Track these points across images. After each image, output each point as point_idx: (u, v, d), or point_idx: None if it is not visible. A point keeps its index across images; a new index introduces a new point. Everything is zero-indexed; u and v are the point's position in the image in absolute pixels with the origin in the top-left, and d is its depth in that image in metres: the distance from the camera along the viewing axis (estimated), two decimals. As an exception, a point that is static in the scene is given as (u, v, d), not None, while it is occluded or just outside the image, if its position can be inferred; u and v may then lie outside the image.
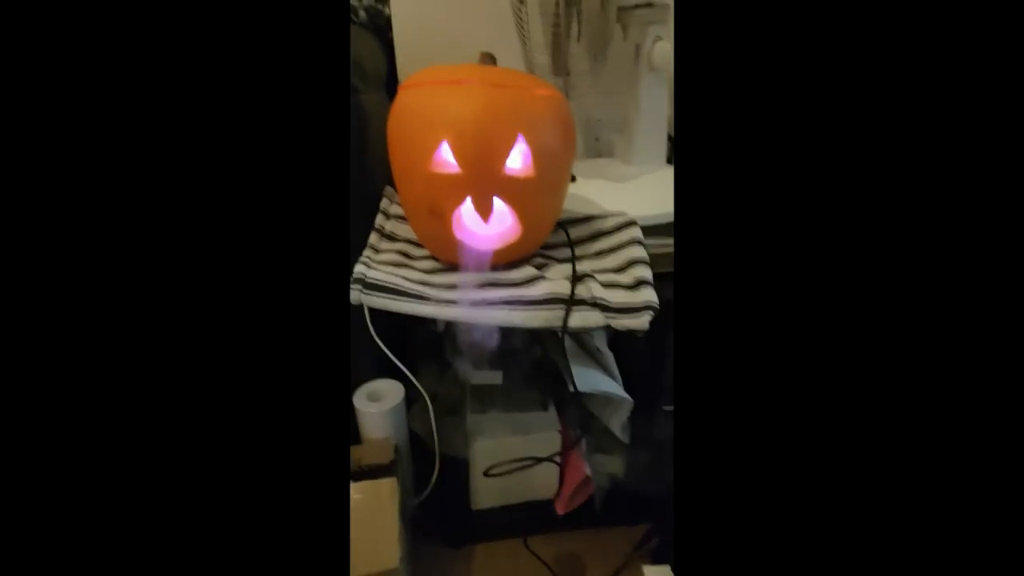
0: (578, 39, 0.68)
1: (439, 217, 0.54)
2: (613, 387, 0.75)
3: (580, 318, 0.54)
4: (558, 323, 0.54)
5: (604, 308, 0.54)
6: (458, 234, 0.55)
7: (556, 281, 0.56)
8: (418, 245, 0.63)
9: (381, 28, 0.87)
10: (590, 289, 0.55)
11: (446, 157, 0.51)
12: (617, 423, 0.77)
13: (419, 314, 0.53)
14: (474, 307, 0.53)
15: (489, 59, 0.57)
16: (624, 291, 0.57)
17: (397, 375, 0.73)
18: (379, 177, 0.71)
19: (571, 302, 0.54)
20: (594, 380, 0.74)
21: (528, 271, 0.58)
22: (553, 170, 0.55)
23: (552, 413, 0.76)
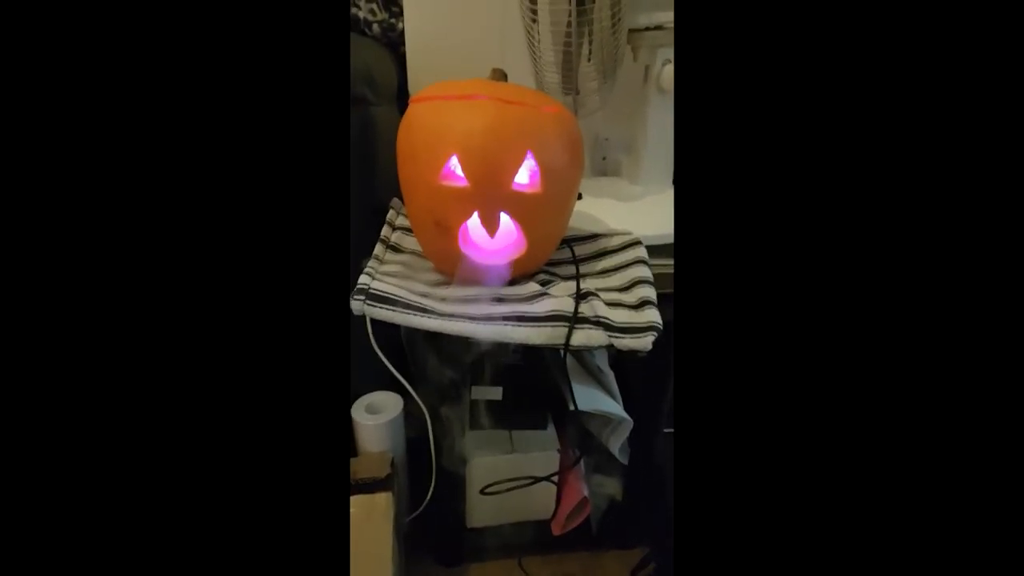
0: (588, 59, 0.68)
1: (445, 231, 0.54)
2: (613, 407, 0.74)
3: (583, 336, 0.53)
4: (560, 341, 0.53)
5: (607, 327, 0.53)
6: (464, 248, 0.55)
7: (560, 298, 0.56)
8: (422, 257, 0.63)
9: (394, 42, 0.89)
10: (593, 307, 0.55)
11: (454, 171, 0.51)
12: (616, 444, 0.75)
13: (421, 327, 0.52)
14: (477, 322, 0.53)
15: (500, 75, 0.57)
16: (628, 311, 0.56)
17: (397, 387, 0.72)
18: (388, 189, 0.71)
19: (574, 320, 0.54)
20: (594, 399, 0.73)
21: (532, 287, 0.58)
22: (560, 187, 0.55)
23: (551, 432, 0.75)
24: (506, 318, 0.53)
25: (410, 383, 0.66)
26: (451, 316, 0.53)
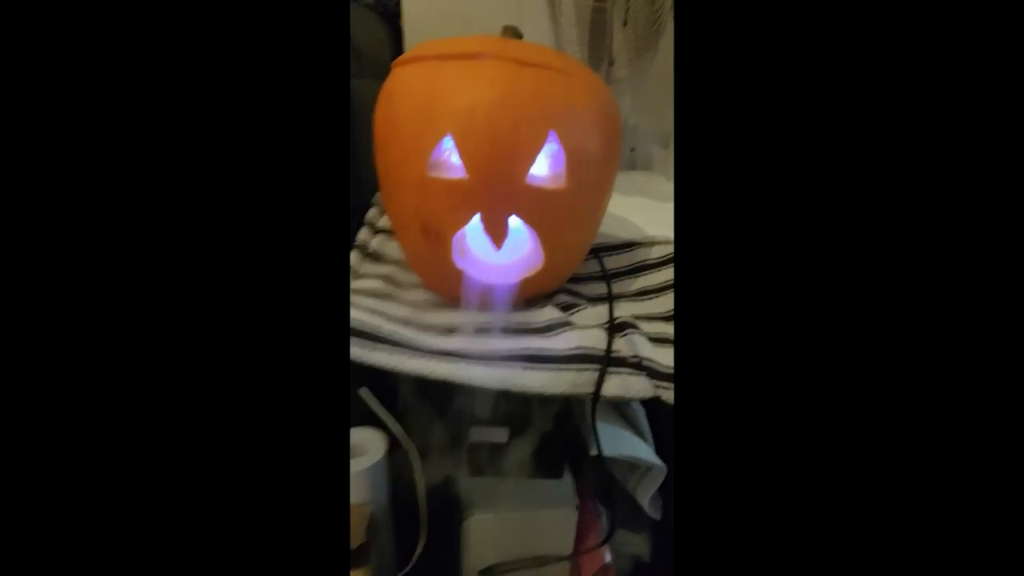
0: (624, 22, 0.55)
1: (436, 238, 0.41)
2: (644, 451, 0.62)
3: (618, 384, 0.41)
4: (588, 389, 0.41)
5: (652, 372, 0.40)
6: (460, 262, 0.42)
7: (587, 330, 0.43)
8: (409, 268, 0.51)
9: (390, 12, 0.79)
10: (633, 344, 0.42)
11: (448, 158, 0.39)
12: (646, 494, 0.63)
13: (398, 370, 0.39)
14: (475, 362, 0.40)
15: (513, 34, 0.44)
16: (678, 348, 0.43)
17: (379, 423, 0.61)
18: (371, 181, 0.59)
19: (607, 361, 0.41)
20: (622, 442, 0.61)
21: (550, 314, 0.45)
22: (592, 182, 0.42)
23: (568, 481, 0.63)
24: (515, 358, 0.40)
25: (397, 418, 0.54)
26: (440, 354, 0.40)
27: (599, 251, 0.54)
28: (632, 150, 0.81)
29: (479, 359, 0.40)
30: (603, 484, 0.65)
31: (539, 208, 0.40)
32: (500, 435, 0.60)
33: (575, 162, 0.39)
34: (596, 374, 0.40)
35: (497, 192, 0.38)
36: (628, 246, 0.54)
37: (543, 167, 0.39)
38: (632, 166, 0.80)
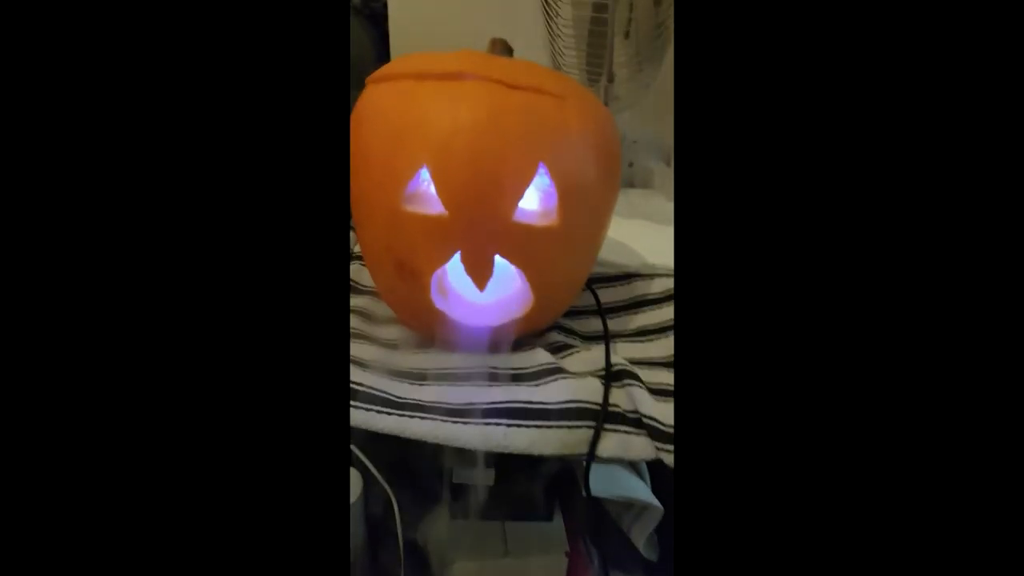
0: (626, 34, 0.50)
1: (411, 276, 0.36)
2: (639, 490, 0.59)
3: (615, 443, 0.37)
4: (582, 449, 0.37)
5: (653, 432, 0.36)
6: (439, 302, 0.38)
7: (581, 379, 0.39)
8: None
9: (376, 15, 0.76)
10: (632, 397, 0.38)
11: (426, 190, 0.34)
12: (641, 535, 0.60)
13: (366, 427, 0.35)
14: (452, 419, 0.35)
15: (502, 48, 0.39)
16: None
17: (355, 462, 0.56)
18: None
19: (604, 417, 0.37)
20: (614, 480, 0.58)
21: (540, 358, 0.40)
22: (587, 218, 0.38)
23: (558, 524, 0.59)
24: (499, 412, 0.36)
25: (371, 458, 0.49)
26: (414, 408, 0.36)
27: (593, 282, 0.49)
28: (630, 165, 0.77)
29: (458, 415, 0.36)
30: (595, 524, 0.61)
31: (527, 247, 0.35)
32: (486, 476, 0.57)
33: (568, 197, 0.34)
34: (591, 432, 0.36)
35: (479, 230, 0.34)
36: (627, 277, 0.50)
37: (532, 202, 0.35)
38: (630, 183, 0.75)
